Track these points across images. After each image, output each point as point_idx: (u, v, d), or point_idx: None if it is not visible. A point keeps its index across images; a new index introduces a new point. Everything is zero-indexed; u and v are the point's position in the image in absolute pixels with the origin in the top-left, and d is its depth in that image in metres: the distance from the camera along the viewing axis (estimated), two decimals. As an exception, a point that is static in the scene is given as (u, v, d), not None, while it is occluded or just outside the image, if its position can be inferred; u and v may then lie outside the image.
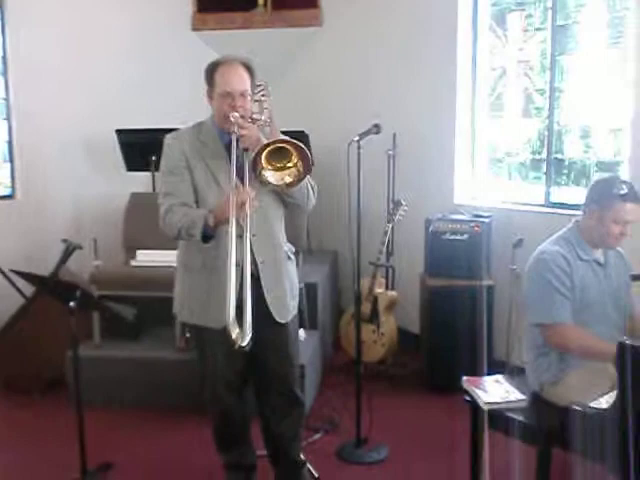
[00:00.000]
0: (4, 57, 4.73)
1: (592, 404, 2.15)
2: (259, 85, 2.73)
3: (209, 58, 5.09)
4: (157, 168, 4.46)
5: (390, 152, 4.46)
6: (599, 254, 2.67)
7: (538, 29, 4.12)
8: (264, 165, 2.25)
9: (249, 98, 2.51)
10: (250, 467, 2.84)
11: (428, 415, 3.65)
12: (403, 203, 4.08)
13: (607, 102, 3.80)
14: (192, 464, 3.17)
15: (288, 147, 2.25)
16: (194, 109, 4.84)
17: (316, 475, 2.96)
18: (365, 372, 3.82)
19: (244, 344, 2.17)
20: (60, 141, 4.81)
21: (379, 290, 4.19)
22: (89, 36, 4.82)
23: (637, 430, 1.81)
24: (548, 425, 2.43)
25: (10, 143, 4.79)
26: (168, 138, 2.61)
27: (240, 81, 2.48)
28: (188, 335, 3.83)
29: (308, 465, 2.92)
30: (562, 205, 3.89)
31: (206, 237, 2.38)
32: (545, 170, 4.09)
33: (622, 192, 2.54)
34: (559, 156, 4.06)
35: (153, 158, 4.44)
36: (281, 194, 2.51)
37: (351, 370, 3.62)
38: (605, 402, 2.17)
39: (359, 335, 3.49)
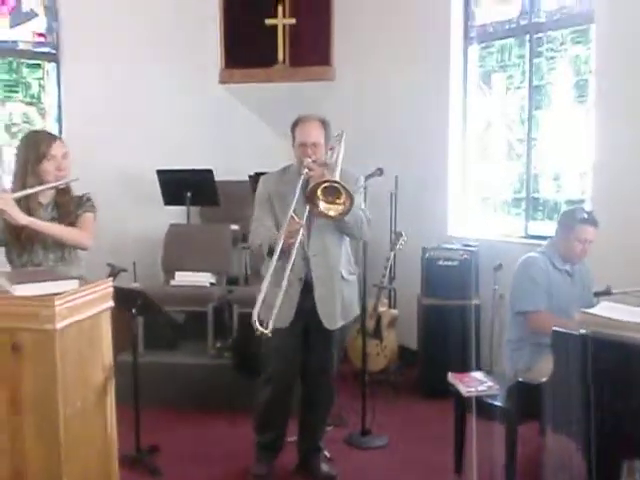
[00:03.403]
0: (59, 106, 5.47)
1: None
2: (337, 135, 3.23)
3: (234, 108, 5.88)
4: (192, 203, 5.20)
5: (392, 192, 4.98)
6: (568, 267, 3.33)
7: (518, 88, 4.71)
8: (319, 195, 2.84)
9: (320, 148, 3.07)
10: (278, 449, 3.40)
11: (422, 414, 4.23)
12: (403, 234, 4.59)
13: (574, 150, 4.36)
14: (222, 450, 3.72)
15: (340, 189, 2.83)
16: (222, 152, 5.62)
17: (328, 456, 3.55)
18: (369, 380, 4.43)
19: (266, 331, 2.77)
20: (105, 178, 5.29)
21: (382, 309, 4.74)
22: (131, 89, 5.47)
23: (569, 394, 2.43)
24: (519, 400, 2.97)
25: (62, 180, 5.49)
26: (261, 179, 3.25)
27: (312, 134, 3.06)
28: (219, 345, 4.48)
29: (324, 451, 3.50)
30: (538, 237, 4.40)
31: (270, 251, 2.94)
32: (524, 207, 4.68)
33: (583, 217, 3.24)
34: (535, 195, 4.62)
35: (188, 194, 5.12)
36: (339, 224, 3.04)
37: (357, 378, 4.17)
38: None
39: (364, 346, 4.12)
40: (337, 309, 3.18)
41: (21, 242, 2.85)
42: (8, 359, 1.88)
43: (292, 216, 2.90)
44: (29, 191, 2.82)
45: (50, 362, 1.86)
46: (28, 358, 1.88)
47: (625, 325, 2.26)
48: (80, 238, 2.92)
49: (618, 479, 2.44)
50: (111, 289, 2.13)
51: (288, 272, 2.85)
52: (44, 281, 1.94)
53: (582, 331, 2.38)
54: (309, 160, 3.02)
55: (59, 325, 1.87)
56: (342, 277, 3.20)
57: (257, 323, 2.75)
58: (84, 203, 2.99)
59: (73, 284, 1.99)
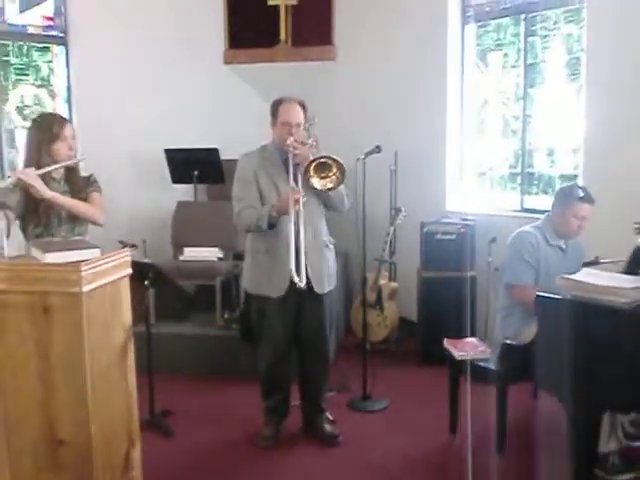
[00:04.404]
0: (69, 87, 5.63)
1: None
2: (310, 119, 3.48)
3: (238, 88, 6.03)
4: (199, 181, 5.38)
5: (392, 167, 5.16)
6: (562, 242, 3.49)
7: (513, 66, 4.85)
8: (312, 174, 3.09)
9: (302, 128, 3.32)
10: (284, 414, 3.63)
11: (420, 381, 4.42)
12: (402, 209, 4.80)
13: (567, 126, 4.49)
14: (231, 414, 3.94)
15: (329, 161, 3.09)
16: (227, 131, 5.76)
17: (331, 418, 3.75)
18: (371, 349, 4.62)
19: (302, 284, 3.09)
20: (113, 157, 5.47)
21: (383, 281, 4.96)
22: (139, 70, 5.62)
23: (551, 354, 2.63)
24: (505, 361, 3.22)
25: (72, 160, 5.66)
26: (241, 156, 3.45)
27: (296, 115, 3.29)
28: (226, 316, 4.69)
29: (327, 413, 3.71)
30: (533, 210, 4.58)
31: (271, 225, 3.21)
32: (519, 182, 4.84)
33: (580, 195, 3.38)
34: (530, 170, 4.78)
35: (195, 173, 5.29)
36: (322, 197, 3.31)
37: (360, 348, 4.33)
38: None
39: (365, 315, 4.32)
40: (325, 274, 3.42)
41: (38, 214, 3.08)
42: (40, 319, 2.12)
43: (294, 186, 3.14)
44: (49, 168, 3.06)
45: (77, 321, 2.10)
46: (58, 318, 2.12)
47: (598, 288, 2.44)
48: (96, 214, 3.19)
49: (598, 432, 2.66)
50: (129, 258, 2.35)
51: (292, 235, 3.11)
52: (71, 250, 2.18)
53: (562, 295, 2.56)
54: (292, 139, 3.23)
55: (85, 288, 2.11)
56: (326, 245, 3.45)
57: (295, 276, 3.08)
58: (92, 183, 3.26)
59: (96, 252, 2.22)
